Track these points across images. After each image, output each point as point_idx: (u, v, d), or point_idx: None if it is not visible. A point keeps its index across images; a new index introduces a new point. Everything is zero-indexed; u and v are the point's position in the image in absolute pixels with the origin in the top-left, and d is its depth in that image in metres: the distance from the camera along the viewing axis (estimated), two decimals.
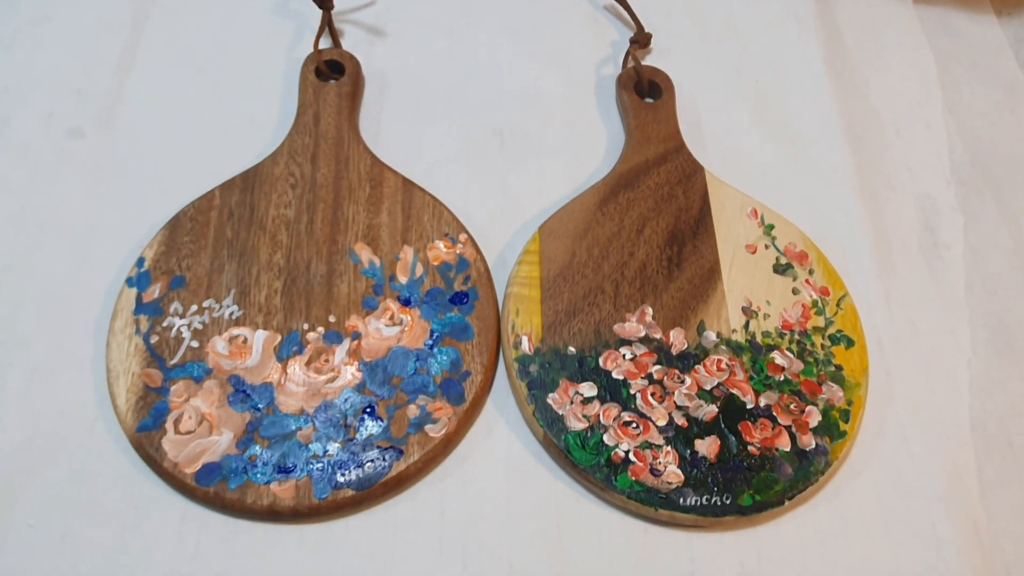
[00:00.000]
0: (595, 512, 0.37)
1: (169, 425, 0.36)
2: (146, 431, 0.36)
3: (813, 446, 0.38)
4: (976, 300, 0.44)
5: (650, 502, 0.36)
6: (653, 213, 0.44)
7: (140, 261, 0.40)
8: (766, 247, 0.43)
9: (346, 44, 0.51)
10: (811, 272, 0.43)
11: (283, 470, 0.36)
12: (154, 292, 0.40)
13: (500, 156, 0.47)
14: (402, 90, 0.49)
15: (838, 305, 0.42)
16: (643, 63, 0.51)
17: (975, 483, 0.39)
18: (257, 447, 0.36)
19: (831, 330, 0.41)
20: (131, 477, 0.36)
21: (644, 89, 0.49)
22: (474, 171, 0.46)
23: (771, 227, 0.44)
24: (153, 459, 0.36)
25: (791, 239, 0.44)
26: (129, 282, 0.40)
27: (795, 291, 0.42)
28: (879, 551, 0.36)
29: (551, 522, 0.37)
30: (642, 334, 0.40)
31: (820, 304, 0.42)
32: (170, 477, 0.35)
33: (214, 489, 0.35)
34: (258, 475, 0.35)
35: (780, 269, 0.43)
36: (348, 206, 0.43)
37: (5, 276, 0.41)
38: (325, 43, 0.49)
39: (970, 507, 0.38)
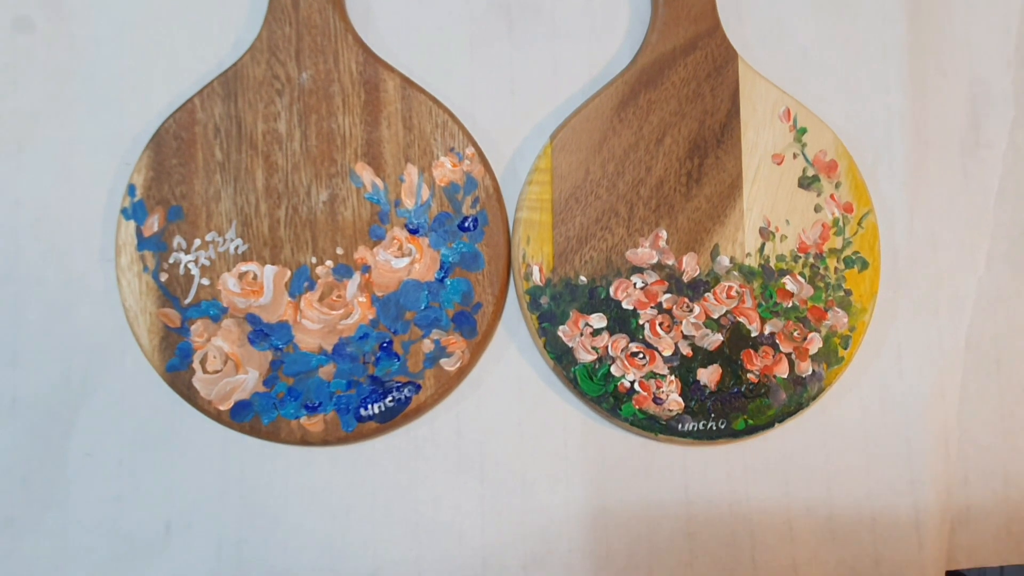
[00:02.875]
0: (600, 430, 0.40)
1: (196, 365, 0.38)
2: (175, 371, 0.38)
3: (810, 372, 0.40)
4: (1004, 208, 0.42)
5: (651, 428, 0.39)
6: (676, 118, 0.40)
7: (131, 189, 0.38)
8: (794, 156, 0.41)
9: None
10: (837, 185, 0.41)
11: (310, 407, 0.38)
12: (153, 225, 0.38)
13: (508, 42, 0.41)
14: None
15: (859, 224, 0.41)
16: None
17: (956, 399, 0.41)
18: (283, 384, 0.38)
19: (847, 251, 0.40)
20: (170, 408, 0.39)
21: None
22: (479, 63, 0.41)
23: (803, 131, 0.41)
24: (187, 396, 0.38)
25: (822, 146, 0.41)
26: (125, 213, 0.38)
27: (817, 208, 0.41)
28: (854, 463, 0.41)
29: (559, 439, 0.40)
30: (654, 260, 0.40)
31: (841, 223, 0.41)
32: (206, 411, 0.38)
33: (249, 424, 0.38)
34: (288, 411, 0.38)
35: (805, 183, 0.41)
36: (343, 116, 0.39)
37: None
38: None
39: (946, 421, 0.41)
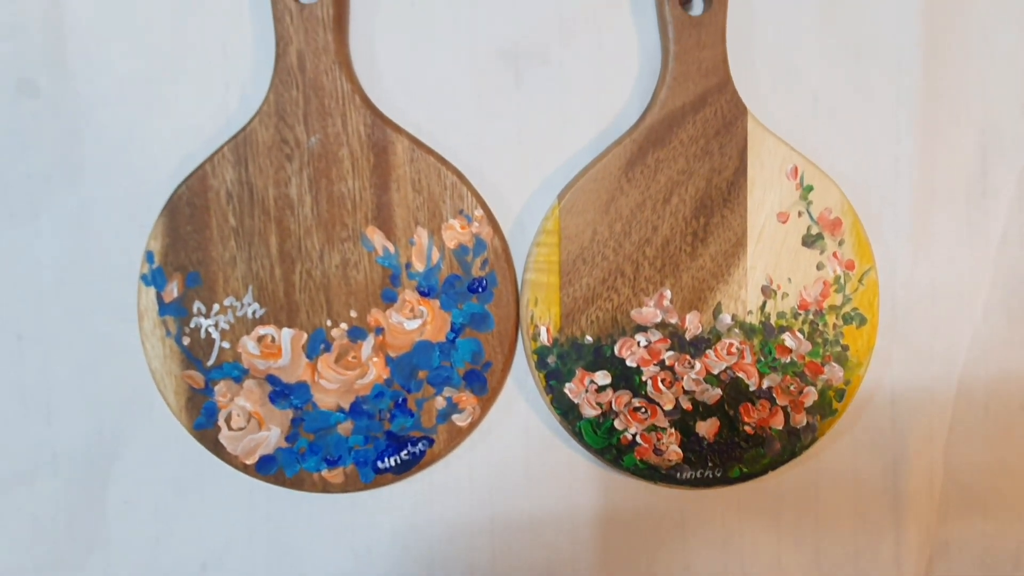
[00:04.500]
0: (603, 475, 0.43)
1: (222, 423, 0.40)
2: (202, 428, 0.40)
3: (804, 424, 0.42)
4: (1005, 257, 0.43)
5: (651, 477, 0.41)
6: (683, 176, 0.41)
7: (150, 256, 0.39)
8: (799, 214, 0.41)
9: None
10: (841, 243, 0.41)
11: (330, 461, 0.41)
12: (173, 291, 0.40)
13: (516, 94, 0.41)
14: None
15: (860, 281, 0.41)
16: None
17: (943, 442, 0.43)
18: (304, 440, 0.40)
19: (847, 308, 0.42)
20: (199, 459, 0.41)
21: None
22: (487, 116, 0.41)
23: (809, 189, 0.41)
24: (215, 450, 0.40)
25: (828, 203, 0.41)
26: (144, 280, 0.39)
27: (819, 266, 0.41)
28: (841, 502, 0.43)
29: (565, 484, 0.43)
30: (658, 319, 0.41)
31: (842, 280, 0.41)
32: (233, 464, 0.40)
33: (274, 476, 0.41)
34: (309, 464, 0.41)
35: (809, 241, 0.41)
36: (353, 180, 0.40)
37: (14, 265, 0.40)
38: None
39: (932, 463, 0.43)
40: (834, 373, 0.42)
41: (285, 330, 0.40)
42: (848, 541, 0.43)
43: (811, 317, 0.41)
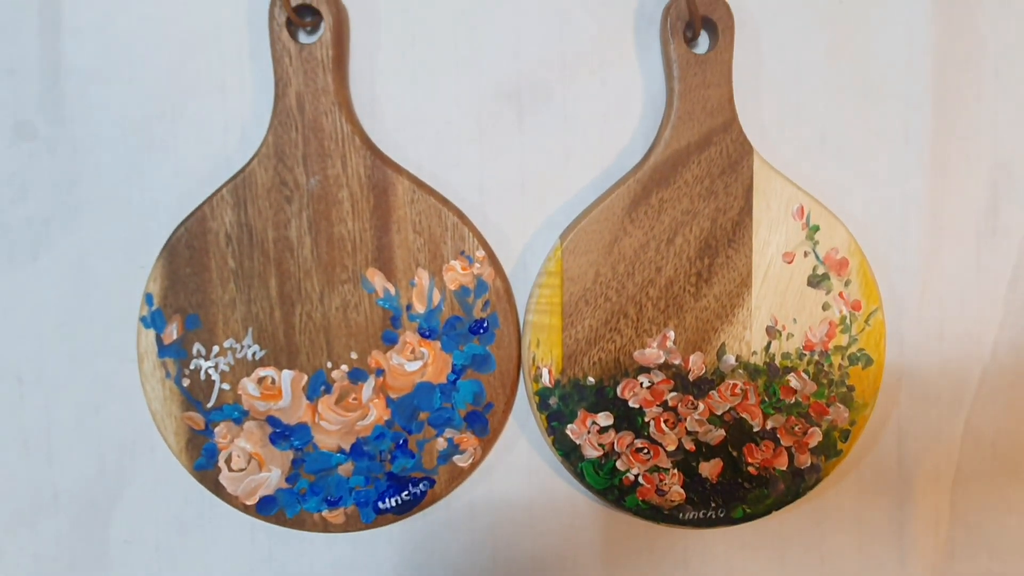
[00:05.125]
0: (605, 514, 0.43)
1: (222, 464, 0.40)
2: (202, 469, 0.40)
3: (808, 465, 0.41)
4: (1015, 296, 0.42)
5: (653, 517, 0.41)
6: (688, 217, 0.40)
7: (149, 298, 0.39)
8: (805, 254, 0.41)
9: None
10: (847, 283, 0.41)
11: (331, 502, 0.40)
12: (172, 333, 0.39)
13: (518, 131, 0.40)
14: (397, 38, 0.40)
15: (867, 322, 0.41)
16: None
17: (950, 483, 0.43)
18: (305, 481, 0.40)
19: (853, 348, 0.41)
20: (200, 499, 0.41)
21: (696, 29, 0.39)
22: (489, 154, 0.40)
23: (815, 229, 0.40)
24: (215, 491, 0.40)
25: (835, 243, 0.40)
26: (144, 321, 0.39)
27: (825, 306, 0.41)
28: (846, 542, 0.43)
29: (567, 522, 0.43)
30: (662, 361, 0.41)
31: (848, 320, 0.41)
32: (234, 504, 0.40)
33: (274, 516, 0.40)
34: (310, 505, 0.40)
35: (815, 281, 0.41)
36: (353, 222, 0.39)
37: (15, 308, 0.40)
38: None
39: (938, 503, 0.43)
40: (839, 414, 0.41)
41: (285, 372, 0.40)
42: None
43: (816, 358, 0.41)
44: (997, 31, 0.41)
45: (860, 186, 0.41)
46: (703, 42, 0.40)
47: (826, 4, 0.41)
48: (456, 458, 0.41)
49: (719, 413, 0.41)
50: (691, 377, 0.41)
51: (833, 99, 0.41)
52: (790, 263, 0.41)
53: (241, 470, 0.40)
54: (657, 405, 0.41)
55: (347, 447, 0.40)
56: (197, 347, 0.39)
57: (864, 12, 0.41)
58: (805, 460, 0.41)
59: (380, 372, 0.40)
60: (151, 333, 0.39)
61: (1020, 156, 0.42)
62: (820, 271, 0.41)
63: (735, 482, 0.41)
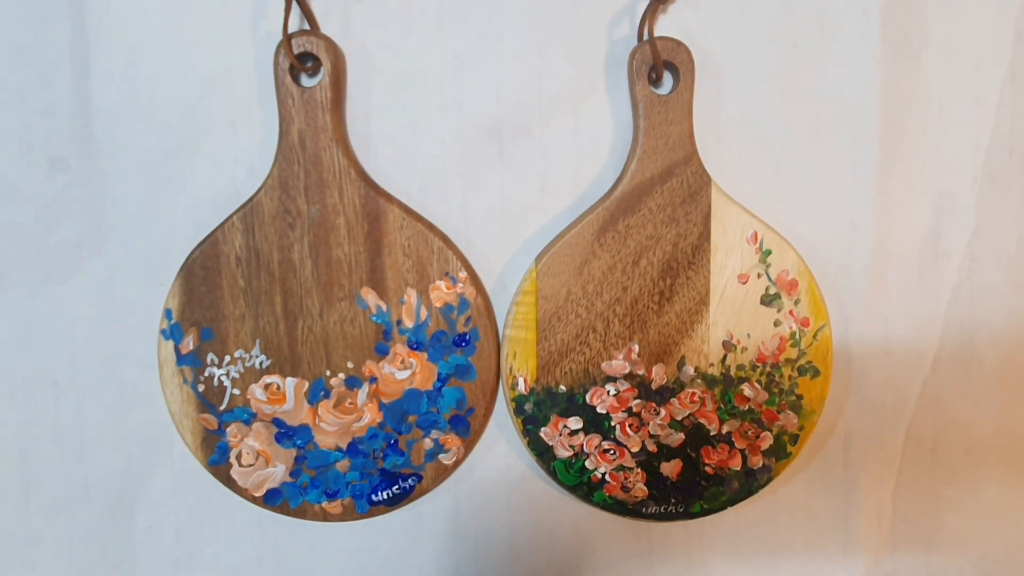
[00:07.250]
0: (575, 510, 0.47)
1: (233, 460, 0.45)
2: (216, 465, 0.45)
3: (760, 465, 0.46)
4: (954, 313, 0.46)
5: (619, 511, 0.46)
6: (651, 241, 0.44)
7: (168, 313, 0.44)
8: (758, 276, 0.45)
9: (317, 11, 0.44)
10: (797, 302, 0.45)
11: (329, 494, 0.45)
12: (189, 344, 0.44)
13: (499, 164, 0.45)
14: (389, 81, 0.44)
15: (815, 337, 0.45)
16: (668, 13, 0.44)
17: (892, 484, 0.47)
18: (306, 476, 0.45)
19: (802, 361, 0.45)
20: (214, 492, 0.46)
21: (659, 72, 0.43)
22: (472, 185, 0.45)
23: (768, 252, 0.44)
24: (227, 484, 0.45)
25: (785, 266, 0.45)
26: (164, 334, 0.44)
27: (777, 323, 0.45)
28: (796, 536, 0.47)
29: (542, 516, 0.47)
30: (627, 371, 0.45)
31: (797, 336, 0.45)
32: (244, 496, 0.45)
33: (279, 507, 0.45)
34: (311, 497, 0.45)
35: (767, 300, 0.45)
36: (349, 246, 0.44)
37: (50, 322, 0.45)
38: (295, 19, 0.43)
39: (881, 502, 0.47)
40: (789, 420, 0.45)
41: (289, 379, 0.45)
42: (802, 571, 0.47)
43: (768, 369, 0.45)
44: (940, 72, 0.45)
45: (811, 213, 0.45)
46: (667, 83, 0.44)
47: (781, 47, 0.45)
48: (441, 457, 0.45)
49: (679, 418, 0.45)
50: (654, 386, 0.45)
51: (787, 134, 0.45)
52: (745, 283, 0.45)
53: (250, 465, 0.45)
54: (623, 411, 0.45)
55: (344, 446, 0.45)
56: (211, 356, 0.44)
57: (817, 54, 0.45)
58: (758, 461, 0.45)
59: (373, 380, 0.45)
60: (170, 344, 0.44)
61: (961, 186, 0.46)
62: (772, 291, 0.45)
63: (694, 480, 0.45)
